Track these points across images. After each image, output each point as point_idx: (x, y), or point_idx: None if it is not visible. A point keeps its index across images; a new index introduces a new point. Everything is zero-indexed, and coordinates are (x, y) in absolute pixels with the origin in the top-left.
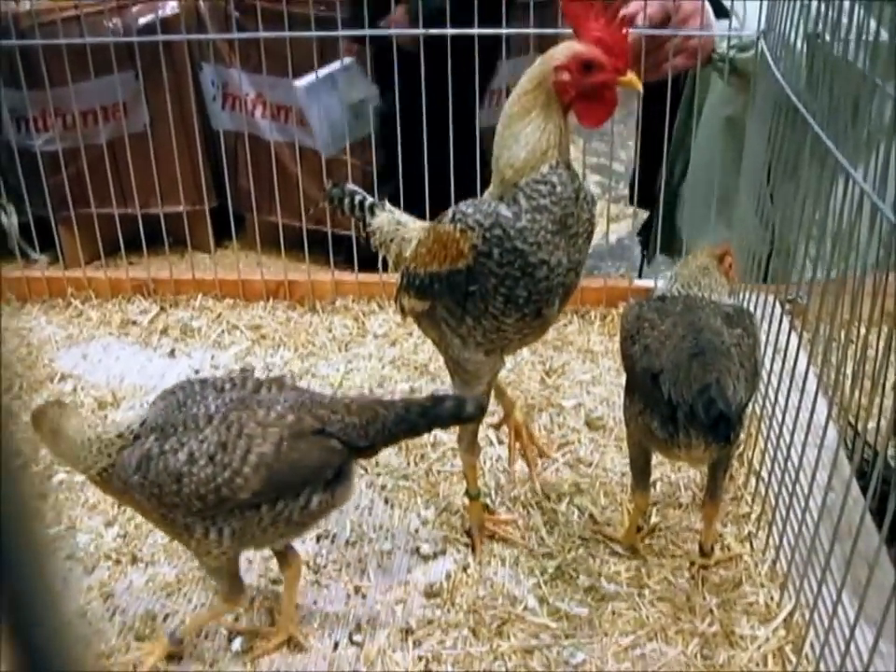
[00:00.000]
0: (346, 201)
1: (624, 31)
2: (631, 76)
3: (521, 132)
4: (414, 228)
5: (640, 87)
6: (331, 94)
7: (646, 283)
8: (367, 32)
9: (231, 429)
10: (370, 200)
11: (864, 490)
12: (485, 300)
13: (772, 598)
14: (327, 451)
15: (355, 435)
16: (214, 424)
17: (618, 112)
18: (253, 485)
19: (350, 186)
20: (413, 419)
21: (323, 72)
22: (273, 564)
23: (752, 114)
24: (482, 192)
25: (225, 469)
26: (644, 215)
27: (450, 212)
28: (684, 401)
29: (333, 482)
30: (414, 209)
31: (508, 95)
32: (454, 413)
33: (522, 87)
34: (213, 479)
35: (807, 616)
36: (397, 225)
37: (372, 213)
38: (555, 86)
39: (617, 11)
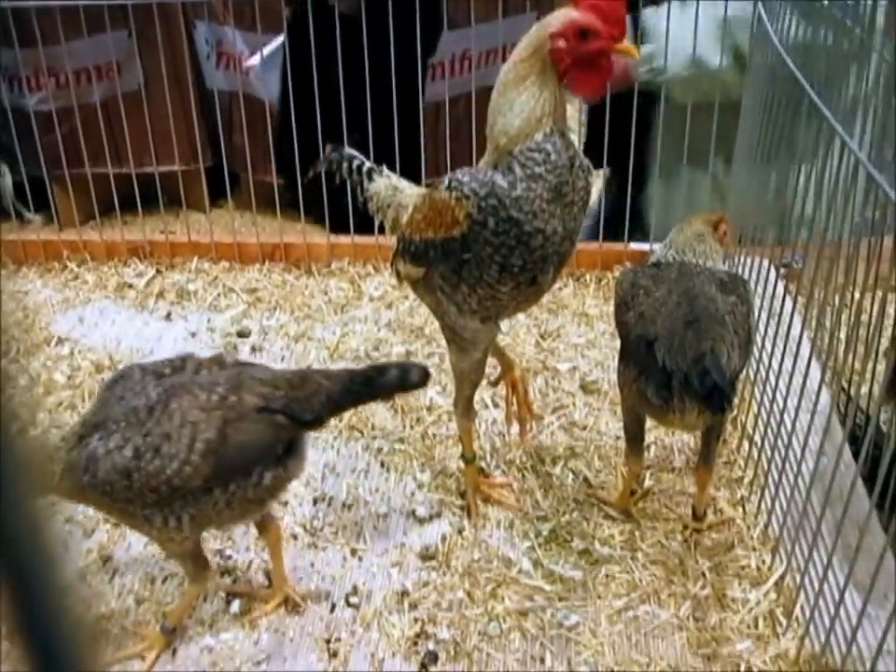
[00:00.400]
0: (345, 165)
1: None
2: (627, 43)
3: (515, 99)
4: (411, 194)
5: (637, 54)
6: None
7: (641, 246)
8: None
9: (174, 419)
10: (367, 164)
11: (856, 455)
12: (480, 268)
13: (763, 562)
14: (272, 428)
15: (299, 409)
16: (156, 415)
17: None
18: (203, 472)
19: (349, 150)
20: (358, 389)
21: (269, 47)
22: None
23: (748, 81)
24: (426, 166)
25: (172, 460)
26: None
27: (446, 179)
28: (679, 369)
29: (284, 456)
30: None
31: (451, 68)
32: (398, 382)
33: (517, 54)
34: (162, 471)
35: (798, 580)
36: (394, 190)
37: (370, 177)
38: (551, 53)
39: None
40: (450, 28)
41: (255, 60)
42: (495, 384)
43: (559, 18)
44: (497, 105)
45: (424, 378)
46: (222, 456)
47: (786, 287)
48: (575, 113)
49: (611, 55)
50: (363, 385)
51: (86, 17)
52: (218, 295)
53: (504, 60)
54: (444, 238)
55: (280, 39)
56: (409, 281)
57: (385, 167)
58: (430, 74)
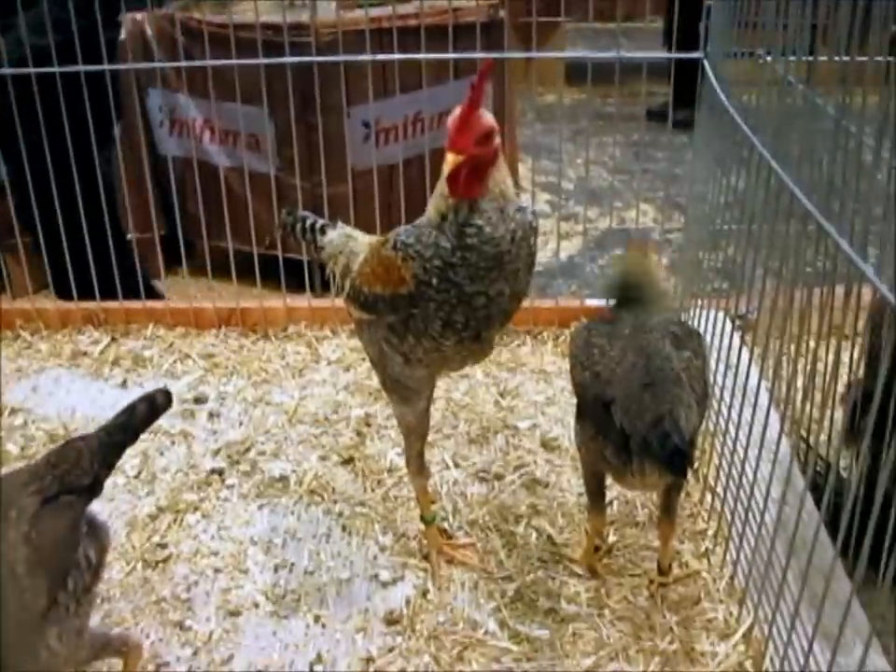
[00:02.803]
0: (298, 226)
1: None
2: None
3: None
4: (363, 242)
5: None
6: None
7: (597, 302)
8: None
9: None
10: (321, 222)
11: (818, 503)
12: (425, 321)
13: (731, 614)
14: (65, 509)
15: (74, 479)
16: None
17: (568, 130)
18: (41, 587)
19: (302, 212)
20: (118, 436)
21: None
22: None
23: (697, 132)
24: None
25: (11, 598)
26: None
27: (392, 238)
28: (637, 432)
29: (90, 529)
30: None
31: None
32: (150, 413)
33: None
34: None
35: (766, 631)
36: (346, 238)
37: (323, 232)
38: None
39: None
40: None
41: None
42: None
43: None
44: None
45: (168, 398)
46: (45, 562)
47: (742, 339)
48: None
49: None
50: (121, 430)
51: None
52: (175, 361)
53: None
54: (392, 294)
55: None
56: (357, 327)
57: (339, 221)
58: (382, 137)
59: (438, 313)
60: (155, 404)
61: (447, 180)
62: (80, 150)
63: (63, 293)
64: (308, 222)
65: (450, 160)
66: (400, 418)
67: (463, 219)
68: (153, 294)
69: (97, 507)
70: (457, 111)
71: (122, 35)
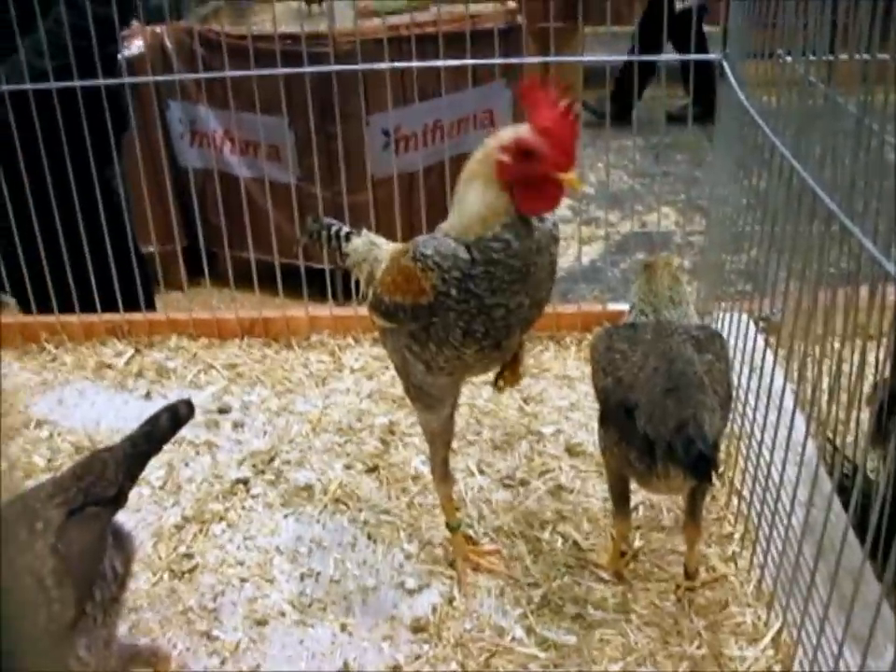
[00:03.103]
0: (324, 233)
1: (574, 127)
2: (572, 175)
3: (464, 195)
4: (387, 248)
5: (580, 187)
6: None
7: (619, 307)
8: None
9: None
10: (345, 229)
11: (846, 505)
12: (446, 330)
13: (759, 618)
14: (91, 520)
15: (99, 490)
16: None
17: (586, 134)
18: (69, 598)
19: (327, 219)
20: (142, 446)
21: None
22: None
23: (717, 134)
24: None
25: (40, 609)
26: None
27: (411, 248)
28: (661, 438)
29: (116, 540)
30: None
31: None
32: (173, 423)
33: (475, 154)
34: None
35: (795, 635)
36: (370, 245)
37: (348, 239)
38: (496, 164)
39: (571, 106)
40: (421, 99)
41: None
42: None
43: (510, 131)
44: (460, 188)
45: (191, 408)
46: (73, 573)
47: (766, 341)
48: None
49: (556, 182)
50: (145, 441)
51: None
52: (198, 372)
53: (476, 127)
54: (413, 304)
55: None
56: (380, 333)
57: (364, 228)
58: (402, 145)
59: (457, 322)
60: (177, 414)
61: (546, 199)
62: (87, 166)
63: (25, 304)
64: (333, 229)
65: (570, 180)
66: (425, 425)
67: (493, 234)
68: (153, 306)
69: (122, 518)
70: (556, 127)
71: (133, 51)
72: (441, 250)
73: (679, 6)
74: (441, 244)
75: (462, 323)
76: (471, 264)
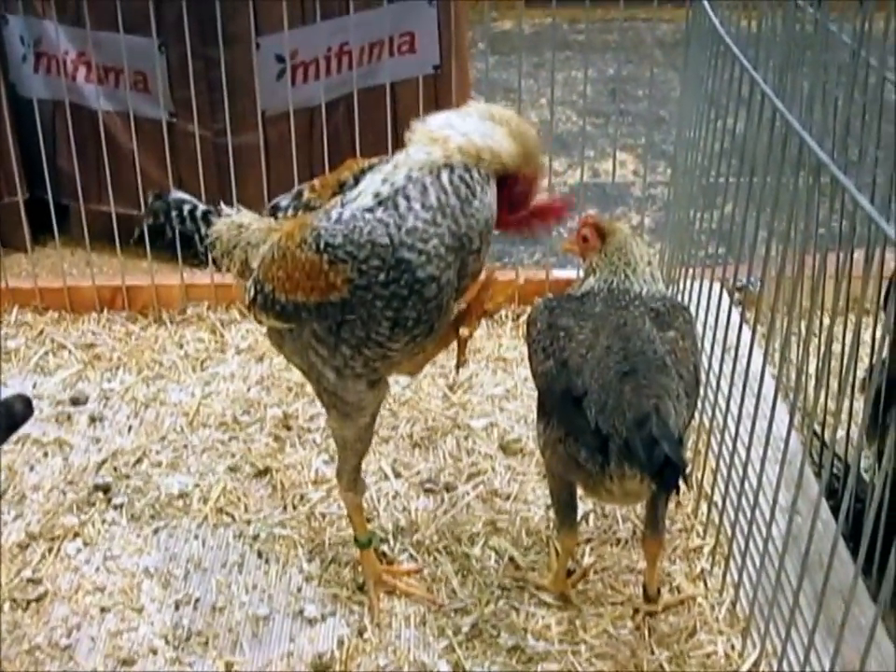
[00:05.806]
0: (174, 214)
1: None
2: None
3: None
4: (259, 229)
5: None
6: None
7: (566, 274)
8: None
9: None
10: (202, 207)
11: (835, 511)
12: (367, 326)
13: (732, 647)
14: None
15: None
16: None
17: (528, 63)
18: None
19: (177, 195)
20: None
21: None
22: None
23: (686, 67)
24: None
25: None
26: None
27: (310, 236)
28: (617, 433)
29: None
30: None
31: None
32: (9, 425)
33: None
34: None
35: (775, 666)
36: (238, 229)
37: (207, 222)
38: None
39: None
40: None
41: None
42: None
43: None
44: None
45: (28, 406)
46: None
47: (742, 315)
48: None
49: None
50: None
51: None
52: (46, 353)
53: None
54: (319, 302)
55: None
56: (271, 335)
57: (222, 205)
58: (300, 73)
59: (384, 313)
60: (13, 414)
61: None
62: None
63: None
64: (186, 209)
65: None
66: (336, 432)
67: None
68: None
69: None
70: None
71: None
72: (353, 238)
73: None
74: (352, 228)
75: (390, 312)
76: (393, 251)
